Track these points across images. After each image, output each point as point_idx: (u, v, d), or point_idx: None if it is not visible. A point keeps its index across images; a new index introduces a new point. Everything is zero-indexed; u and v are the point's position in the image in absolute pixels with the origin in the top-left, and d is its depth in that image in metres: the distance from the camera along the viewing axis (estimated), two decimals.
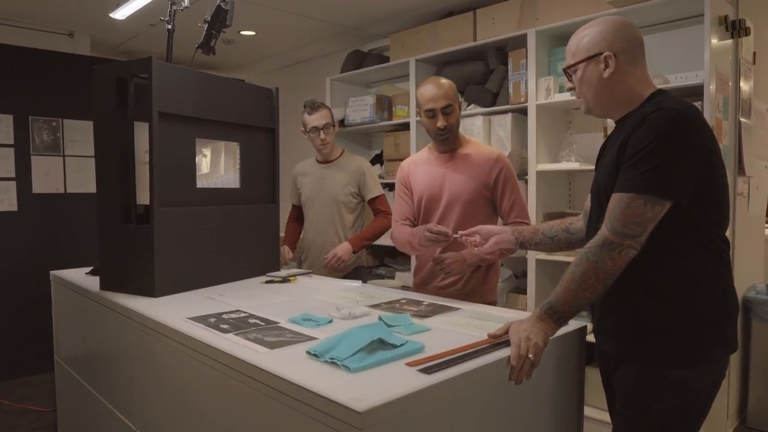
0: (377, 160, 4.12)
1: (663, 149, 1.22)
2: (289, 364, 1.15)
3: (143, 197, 1.89)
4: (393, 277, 3.89)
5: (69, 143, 3.94)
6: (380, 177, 3.71)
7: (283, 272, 2.34)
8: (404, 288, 3.03)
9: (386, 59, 4.06)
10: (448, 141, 2.11)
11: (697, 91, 2.48)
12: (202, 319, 1.53)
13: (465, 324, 1.50)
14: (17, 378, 3.66)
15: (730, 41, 2.64)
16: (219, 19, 2.25)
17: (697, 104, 2.24)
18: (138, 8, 3.45)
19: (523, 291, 3.15)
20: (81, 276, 2.24)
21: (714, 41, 2.46)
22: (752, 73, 2.88)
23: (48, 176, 3.85)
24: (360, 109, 3.96)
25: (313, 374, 1.09)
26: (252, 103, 2.26)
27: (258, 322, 1.51)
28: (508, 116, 3.13)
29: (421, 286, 2.21)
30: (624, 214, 1.23)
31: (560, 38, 3.04)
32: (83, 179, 3.96)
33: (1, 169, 3.66)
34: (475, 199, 2.08)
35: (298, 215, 2.98)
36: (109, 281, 1.95)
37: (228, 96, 2.14)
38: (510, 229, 1.70)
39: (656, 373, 1.30)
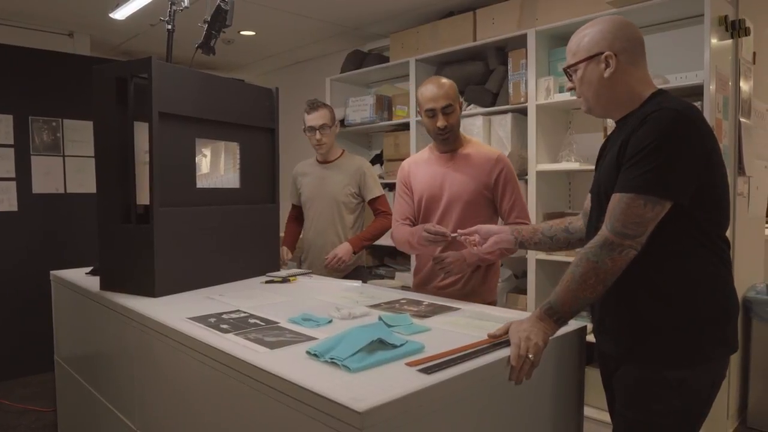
0: (377, 160, 4.13)
1: (663, 149, 1.22)
2: (289, 364, 1.15)
3: (143, 197, 1.89)
4: (393, 278, 3.89)
5: (69, 143, 3.94)
6: (380, 177, 3.71)
7: (283, 272, 2.34)
8: (404, 288, 3.03)
9: (386, 59, 4.06)
10: (448, 141, 2.11)
11: (697, 91, 2.48)
12: (202, 319, 1.53)
13: (465, 324, 1.50)
14: (17, 378, 3.66)
15: (729, 41, 2.64)
16: (219, 19, 2.25)
17: (697, 104, 2.24)
18: (138, 8, 3.45)
19: (523, 291, 3.15)
20: (81, 276, 2.24)
21: (714, 41, 2.46)
22: (752, 73, 2.88)
23: (48, 176, 3.85)
24: (360, 109, 3.96)
25: (313, 374, 1.09)
26: (252, 103, 2.26)
27: (258, 322, 1.51)
28: (508, 116, 3.14)
29: (421, 286, 2.21)
30: (624, 214, 1.23)
31: (560, 38, 3.04)
32: (83, 179, 3.96)
33: (1, 169, 3.66)
34: (475, 200, 2.08)
35: (297, 215, 2.98)
36: (109, 281, 1.95)
37: (228, 96, 2.14)
38: (509, 228, 1.70)
39: (656, 373, 1.30)
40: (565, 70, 1.45)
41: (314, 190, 2.82)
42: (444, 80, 2.07)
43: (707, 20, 2.43)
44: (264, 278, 2.22)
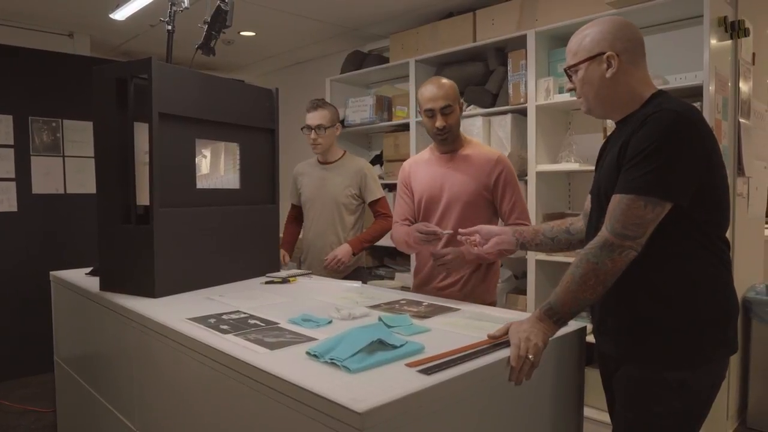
0: (377, 160, 4.13)
1: (664, 151, 1.22)
2: (289, 365, 1.15)
3: (143, 198, 1.89)
4: (393, 278, 3.89)
5: (69, 144, 3.94)
6: (380, 177, 3.71)
7: (283, 273, 2.34)
8: (404, 289, 3.04)
9: (386, 60, 4.06)
10: (447, 141, 2.11)
11: (697, 92, 2.48)
12: (202, 320, 1.53)
13: (465, 325, 1.50)
14: (17, 378, 3.66)
15: (729, 42, 2.64)
16: (219, 20, 2.25)
17: (697, 105, 2.24)
18: (138, 9, 3.45)
19: (522, 292, 3.15)
20: (81, 276, 2.24)
21: (713, 42, 2.46)
22: (751, 74, 2.88)
23: (48, 177, 3.85)
24: (360, 110, 3.96)
25: (313, 375, 1.09)
26: (252, 104, 2.26)
27: (258, 322, 1.51)
28: (508, 117, 3.14)
29: (421, 287, 2.21)
30: (624, 215, 1.23)
31: (560, 39, 3.04)
32: (83, 180, 3.97)
33: (0, 170, 3.66)
34: (475, 201, 2.08)
35: (297, 215, 2.98)
36: (108, 282, 1.95)
37: (228, 97, 2.14)
38: (510, 229, 1.70)
39: (656, 374, 1.30)
40: (565, 70, 1.44)
41: (315, 190, 2.82)
42: (444, 81, 2.07)
43: (707, 21, 2.44)
44: (264, 279, 2.22)
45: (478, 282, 2.13)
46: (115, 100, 1.88)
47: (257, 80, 5.79)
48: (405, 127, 3.76)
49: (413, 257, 3.35)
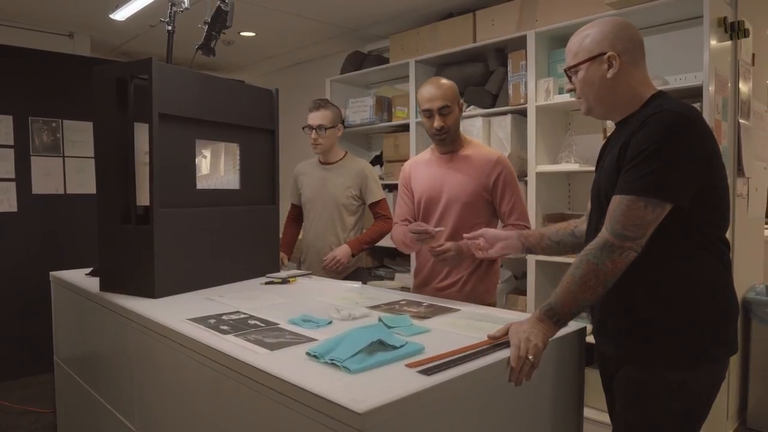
0: (377, 161, 4.13)
1: (664, 152, 1.22)
2: (289, 366, 1.15)
3: (143, 198, 1.90)
4: (392, 279, 3.89)
5: (69, 144, 3.94)
6: (380, 178, 3.71)
7: (283, 273, 2.35)
8: (404, 289, 3.04)
9: (386, 60, 4.06)
10: (445, 142, 2.11)
11: (696, 93, 2.48)
12: (202, 321, 1.53)
13: (465, 325, 1.50)
14: (17, 379, 3.66)
15: (729, 43, 2.64)
16: (219, 21, 2.25)
17: (697, 106, 2.24)
18: (138, 9, 3.45)
19: (522, 292, 3.15)
20: (81, 277, 2.24)
21: (713, 43, 2.46)
22: (751, 75, 2.88)
23: (48, 177, 3.85)
24: (360, 110, 3.96)
25: (313, 375, 1.09)
26: (252, 105, 2.26)
27: (258, 323, 1.51)
28: (508, 117, 3.14)
29: (421, 288, 2.21)
30: (624, 216, 1.23)
31: (560, 40, 3.04)
32: (83, 180, 3.97)
33: (0, 170, 3.66)
34: (474, 201, 2.08)
35: (297, 215, 2.98)
36: (108, 282, 1.95)
37: (228, 97, 2.14)
38: (516, 234, 1.70)
39: (656, 375, 1.30)
40: (565, 71, 1.44)
41: (315, 191, 2.82)
42: (444, 81, 2.07)
43: (706, 22, 2.44)
44: (264, 279, 2.22)
45: (477, 282, 2.13)
46: (115, 101, 1.88)
47: (257, 81, 5.79)
48: (405, 128, 3.76)
49: (413, 258, 3.35)
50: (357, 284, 2.22)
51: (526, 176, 3.05)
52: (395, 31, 3.98)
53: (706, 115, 2.38)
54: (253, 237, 2.26)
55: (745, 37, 2.67)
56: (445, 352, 1.23)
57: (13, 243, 3.71)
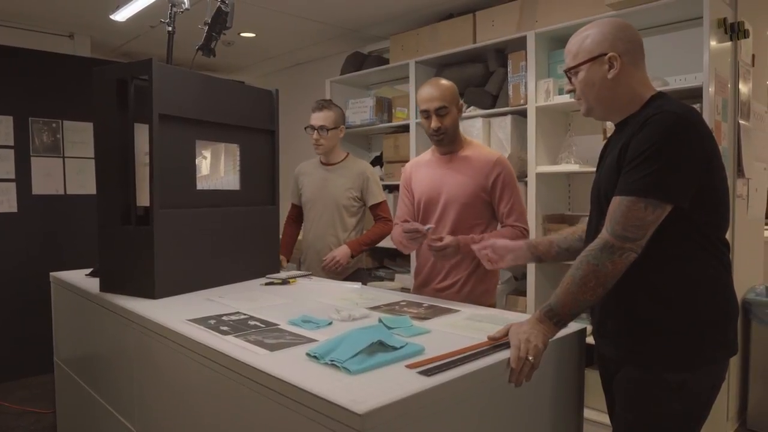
0: (377, 162, 4.13)
1: (664, 153, 1.22)
2: (289, 366, 1.15)
3: (143, 199, 1.90)
4: (392, 279, 3.89)
5: (69, 144, 3.94)
6: (380, 179, 3.71)
7: (283, 274, 2.35)
8: (404, 290, 3.04)
9: (386, 61, 4.06)
10: (443, 142, 2.11)
11: (696, 94, 2.48)
12: (202, 321, 1.53)
13: (465, 326, 1.50)
14: (17, 379, 3.66)
15: (729, 44, 2.65)
16: (219, 21, 2.26)
17: (696, 106, 2.24)
18: (138, 10, 3.45)
19: (522, 293, 3.15)
20: (81, 277, 2.24)
21: (713, 44, 2.47)
22: (751, 76, 2.88)
23: (48, 177, 3.85)
24: (360, 111, 3.97)
25: (313, 376, 1.10)
26: (252, 105, 2.26)
27: (258, 324, 1.51)
28: (508, 118, 3.14)
29: (421, 288, 2.21)
30: (625, 217, 1.23)
31: (560, 40, 3.05)
32: (83, 181, 3.97)
33: (0, 171, 3.66)
34: (473, 202, 2.08)
35: (297, 216, 2.98)
36: (109, 283, 1.95)
37: (228, 98, 2.14)
38: (525, 245, 1.68)
39: (657, 375, 1.30)
40: (565, 72, 1.44)
41: (316, 191, 2.82)
42: (443, 82, 2.07)
43: (706, 23, 2.44)
44: (264, 280, 2.22)
45: (477, 283, 2.13)
46: (115, 101, 1.88)
47: (257, 81, 5.79)
48: (405, 129, 3.77)
49: (413, 259, 3.35)
50: (357, 285, 2.22)
51: (526, 177, 3.05)
52: (395, 32, 3.98)
53: (706, 116, 2.38)
54: (253, 238, 2.26)
55: (745, 37, 2.67)
56: (445, 353, 1.23)
57: (13, 243, 3.71)
